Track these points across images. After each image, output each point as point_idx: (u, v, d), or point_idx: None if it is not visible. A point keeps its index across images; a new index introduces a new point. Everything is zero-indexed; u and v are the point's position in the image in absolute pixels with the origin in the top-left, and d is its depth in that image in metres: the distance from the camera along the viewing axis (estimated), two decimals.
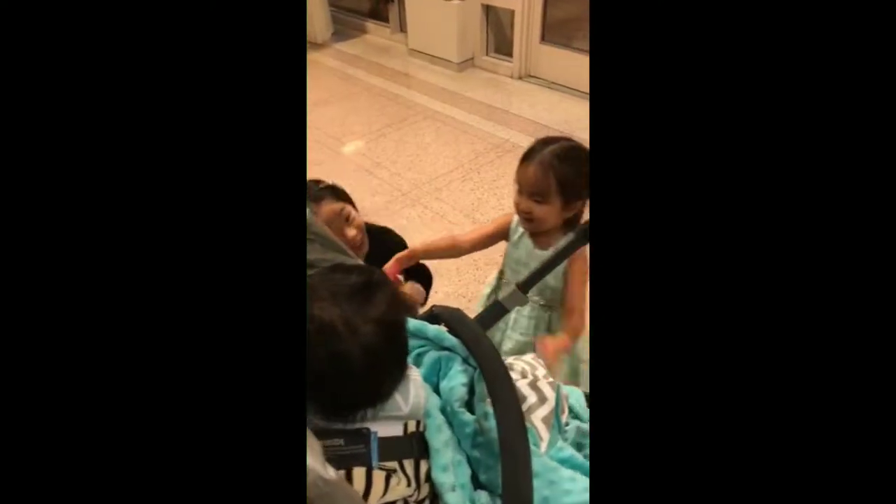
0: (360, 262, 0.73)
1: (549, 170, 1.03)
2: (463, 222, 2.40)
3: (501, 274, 1.29)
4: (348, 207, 1.15)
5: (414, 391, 0.58)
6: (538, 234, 1.15)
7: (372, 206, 2.53)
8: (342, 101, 3.49)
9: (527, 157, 1.08)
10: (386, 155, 2.92)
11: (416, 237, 2.37)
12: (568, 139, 1.08)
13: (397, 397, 0.57)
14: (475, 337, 0.68)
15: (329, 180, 1.18)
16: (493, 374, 0.62)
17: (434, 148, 2.97)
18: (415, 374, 0.60)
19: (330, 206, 1.12)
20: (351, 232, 1.15)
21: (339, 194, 1.15)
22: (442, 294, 2.04)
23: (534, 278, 0.84)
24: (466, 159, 2.83)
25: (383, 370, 0.55)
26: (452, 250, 1.20)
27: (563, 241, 0.85)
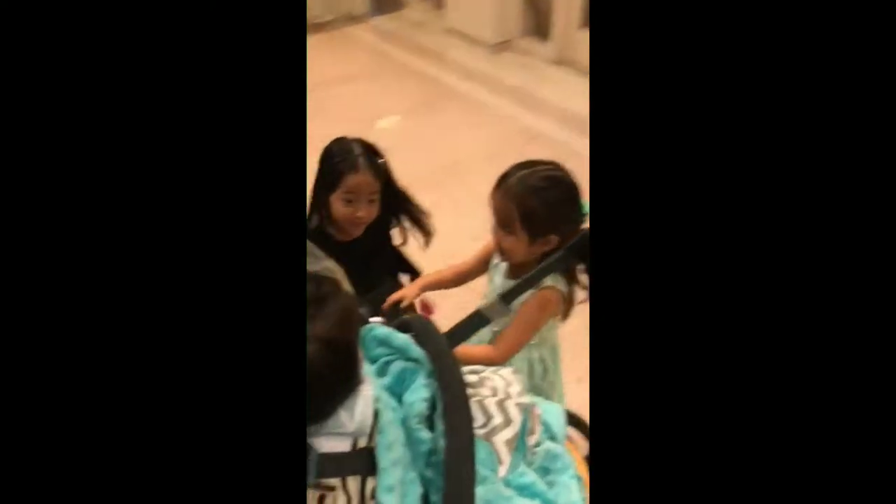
0: (326, 263, 0.70)
1: (512, 200, 0.94)
2: (481, 210, 2.36)
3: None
4: (377, 193, 1.12)
5: (362, 408, 0.56)
6: (514, 266, 1.06)
7: None
8: (372, 79, 3.46)
9: (500, 181, 0.99)
10: (410, 136, 2.88)
11: (433, 222, 2.36)
12: (550, 165, 0.97)
13: (342, 414, 0.55)
14: (439, 352, 0.65)
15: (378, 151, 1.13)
16: (449, 394, 0.60)
17: (459, 131, 2.92)
18: (366, 391, 0.58)
19: (366, 178, 1.09)
20: (360, 213, 1.12)
21: (379, 171, 1.11)
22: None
23: (516, 290, 0.80)
24: (493, 145, 2.77)
25: (324, 390, 0.53)
26: (457, 280, 1.18)
27: (552, 257, 0.81)
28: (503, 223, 0.96)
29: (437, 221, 2.34)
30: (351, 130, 3.17)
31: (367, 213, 1.13)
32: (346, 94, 3.27)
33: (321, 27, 4.12)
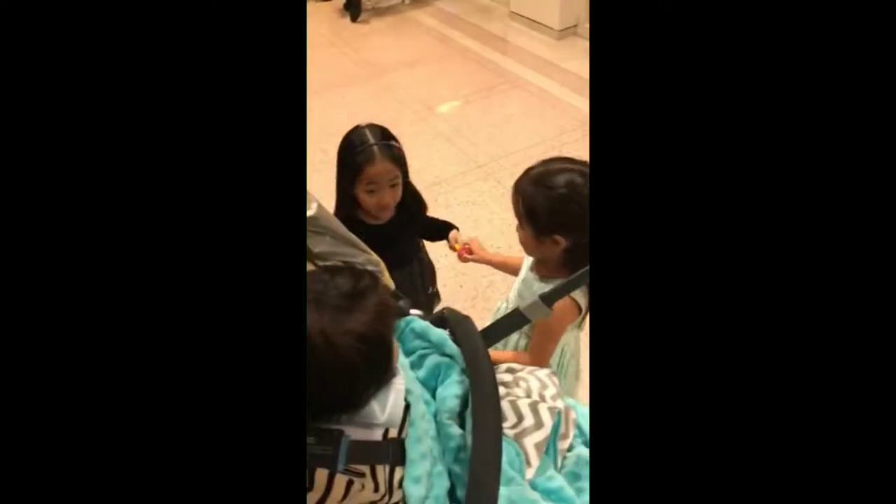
0: (369, 256, 0.72)
1: (520, 193, 0.93)
2: None
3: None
4: (398, 176, 1.14)
5: (393, 400, 0.58)
6: (538, 264, 1.05)
7: (444, 175, 2.52)
8: (434, 63, 3.45)
9: (524, 172, 0.96)
10: (468, 123, 2.86)
11: (483, 212, 2.35)
12: (579, 167, 0.93)
13: (374, 405, 0.57)
14: (474, 351, 0.66)
15: (395, 142, 1.16)
16: (481, 392, 0.60)
17: (519, 120, 2.87)
18: (398, 383, 0.59)
19: (385, 166, 1.11)
20: (385, 199, 1.14)
21: (396, 156, 1.13)
22: (499, 276, 2.00)
23: (558, 292, 0.79)
24: (550, 135, 2.72)
25: (358, 383, 0.55)
26: (505, 268, 1.19)
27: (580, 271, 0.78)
28: (516, 215, 0.97)
29: (490, 210, 2.35)
30: (413, 115, 3.17)
31: (392, 197, 1.14)
32: (409, 78, 3.29)
33: (385, 11, 4.15)
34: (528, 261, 1.10)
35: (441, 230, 1.37)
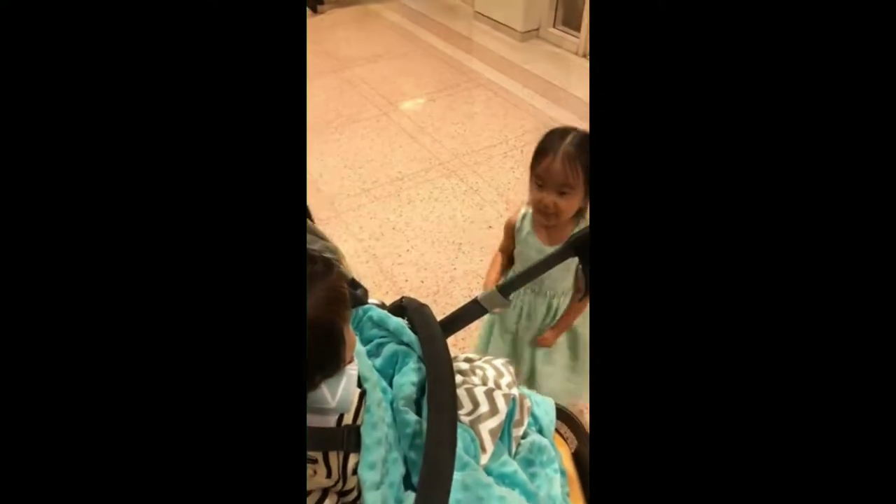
0: (326, 243, 0.71)
1: (577, 161, 1.01)
2: (496, 200, 2.35)
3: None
4: None
5: (345, 386, 0.57)
6: (549, 229, 1.11)
7: (407, 172, 2.52)
8: (397, 59, 3.44)
9: (546, 151, 1.03)
10: (431, 121, 2.87)
11: (446, 209, 2.36)
12: (574, 128, 1.05)
13: (324, 390, 0.56)
14: (431, 337, 0.66)
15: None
16: (436, 380, 0.61)
17: (481, 119, 2.90)
18: (351, 370, 0.59)
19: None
20: None
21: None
22: (461, 271, 2.02)
23: (514, 283, 0.81)
24: (512, 135, 2.75)
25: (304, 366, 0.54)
26: (510, 260, 1.23)
27: (555, 248, 0.81)
28: (565, 184, 1.02)
29: (452, 207, 2.36)
30: (376, 111, 3.14)
31: None
32: (373, 73, 3.26)
33: (348, 3, 4.10)
34: (524, 231, 1.15)
35: None
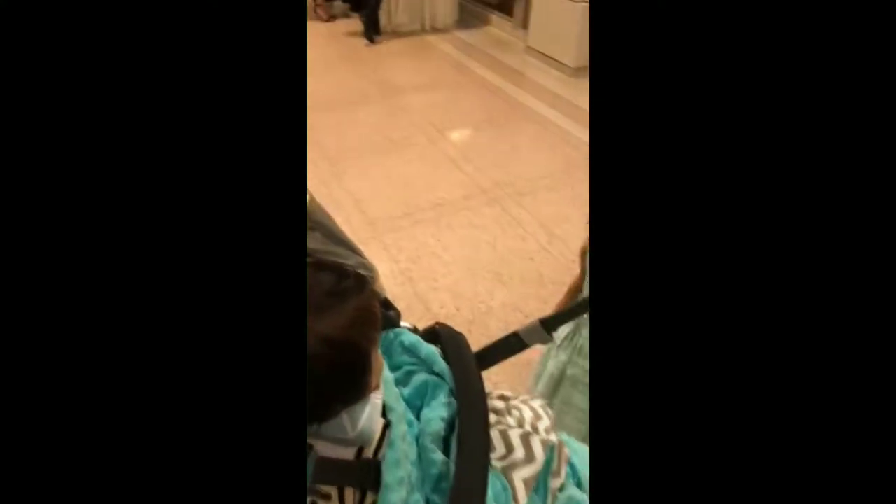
0: (362, 259, 0.67)
1: None
2: (537, 233, 2.29)
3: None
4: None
5: (368, 415, 0.52)
6: None
7: (449, 198, 2.50)
8: (448, 90, 3.48)
9: None
10: (477, 150, 2.86)
11: (485, 236, 2.32)
12: None
13: (344, 418, 0.51)
14: (465, 369, 0.61)
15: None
16: (468, 418, 0.55)
17: (527, 151, 2.87)
18: (376, 398, 0.54)
19: None
20: None
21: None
22: (498, 303, 1.96)
23: (560, 318, 0.75)
24: (558, 169, 2.71)
25: (324, 391, 0.48)
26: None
27: None
28: None
29: (493, 236, 2.31)
30: (424, 138, 3.18)
31: None
32: (424, 102, 3.30)
33: (404, 34, 4.21)
34: None
35: None
